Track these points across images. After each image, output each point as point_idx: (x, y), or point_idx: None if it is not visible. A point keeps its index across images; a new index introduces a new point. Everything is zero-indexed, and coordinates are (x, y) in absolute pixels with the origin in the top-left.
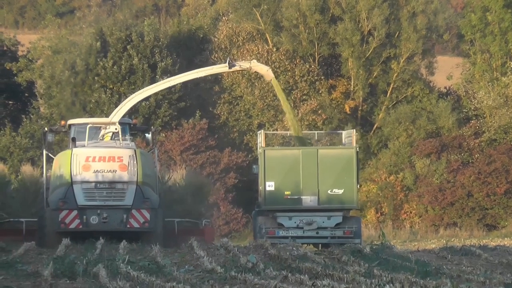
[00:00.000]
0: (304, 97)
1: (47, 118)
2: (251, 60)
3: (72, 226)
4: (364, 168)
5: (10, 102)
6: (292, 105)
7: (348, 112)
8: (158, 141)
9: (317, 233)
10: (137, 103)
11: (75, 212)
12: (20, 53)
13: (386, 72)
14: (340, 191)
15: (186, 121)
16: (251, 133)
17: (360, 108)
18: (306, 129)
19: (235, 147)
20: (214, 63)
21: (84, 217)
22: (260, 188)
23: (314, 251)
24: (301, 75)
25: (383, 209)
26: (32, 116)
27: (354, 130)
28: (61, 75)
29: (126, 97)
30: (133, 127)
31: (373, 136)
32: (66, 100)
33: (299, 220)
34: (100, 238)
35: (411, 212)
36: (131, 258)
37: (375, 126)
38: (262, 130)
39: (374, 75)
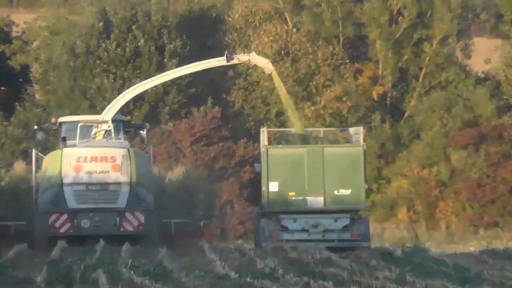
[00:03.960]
0: (327, 82)
1: (43, 106)
2: (251, 53)
3: (63, 230)
4: (394, 161)
5: (2, 88)
6: (314, 92)
7: (376, 99)
8: (166, 131)
9: (323, 236)
10: (132, 98)
11: (65, 216)
12: (14, 34)
13: (417, 55)
14: (347, 192)
15: (196, 109)
16: (269, 123)
17: (389, 94)
18: (330, 118)
19: (251, 138)
20: (228, 46)
21: (75, 220)
22: (263, 188)
23: (340, 254)
24: (324, 58)
25: (415, 207)
26: (26, 104)
27: (362, 127)
28: (59, 58)
29: (131, 82)
30: (127, 124)
31: (404, 125)
32: (64, 86)
33: (304, 223)
34: (100, 240)
35: (447, 211)
36: (134, 262)
37: (406, 115)
38: (264, 128)
39: (405, 58)
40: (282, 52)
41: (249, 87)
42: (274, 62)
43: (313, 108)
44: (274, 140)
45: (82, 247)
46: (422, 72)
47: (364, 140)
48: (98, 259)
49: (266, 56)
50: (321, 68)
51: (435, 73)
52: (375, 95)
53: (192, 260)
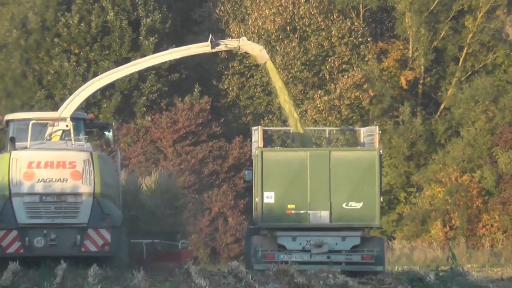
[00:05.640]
0: (344, 66)
1: None
2: (241, 38)
3: (11, 250)
4: (427, 164)
5: None
6: (327, 78)
7: (405, 87)
8: (142, 126)
9: (328, 257)
10: (95, 92)
11: (14, 233)
12: None
13: (457, 32)
14: (358, 205)
15: (180, 99)
16: (270, 116)
17: (421, 81)
18: (347, 110)
19: (248, 136)
20: (218, 20)
21: (27, 238)
22: (256, 200)
23: (358, 279)
24: (340, 36)
25: (453, 221)
26: None
27: (377, 127)
28: (7, 35)
29: (98, 66)
30: (89, 123)
31: (440, 120)
32: (14, 70)
33: (306, 241)
34: (62, 261)
35: (492, 226)
36: None
37: (442, 106)
38: (259, 126)
39: (441, 35)
40: (288, 28)
41: (246, 72)
42: (277, 40)
43: (326, 98)
44: (278, 138)
45: (39, 270)
46: (463, 53)
47: (381, 141)
48: (59, 285)
49: (267, 33)
50: (337, 48)
51: (479, 54)
52: (403, 82)
53: (175, 286)
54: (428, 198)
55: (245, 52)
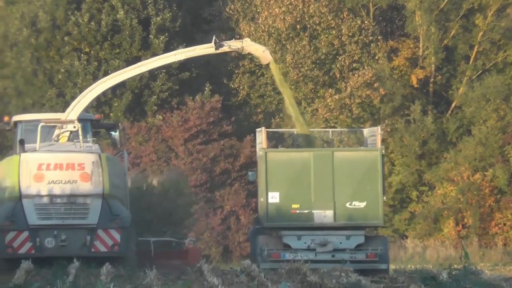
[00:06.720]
0: (354, 65)
1: None
2: (244, 39)
3: (22, 251)
4: (438, 163)
5: None
6: (337, 76)
7: (416, 85)
8: (153, 125)
9: (332, 256)
10: (101, 93)
11: (25, 234)
12: None
13: (468, 30)
14: (362, 204)
15: (191, 98)
16: (281, 115)
17: (432, 79)
18: (358, 109)
19: None
20: (228, 18)
21: (37, 239)
22: (261, 200)
23: (371, 278)
24: (350, 34)
25: (465, 219)
26: None
27: (379, 127)
28: (18, 34)
29: (108, 64)
30: (96, 123)
31: (451, 118)
32: (25, 68)
33: (310, 240)
34: (74, 260)
35: (505, 224)
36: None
37: (453, 105)
38: (263, 128)
39: (452, 34)
40: (298, 27)
41: (257, 71)
42: (288, 39)
43: (336, 96)
44: (289, 137)
45: (52, 268)
46: (474, 52)
47: (393, 140)
48: (72, 283)
49: (277, 32)
50: (347, 46)
51: (490, 53)
52: (414, 81)
53: (187, 284)
54: (440, 196)
55: (248, 53)
